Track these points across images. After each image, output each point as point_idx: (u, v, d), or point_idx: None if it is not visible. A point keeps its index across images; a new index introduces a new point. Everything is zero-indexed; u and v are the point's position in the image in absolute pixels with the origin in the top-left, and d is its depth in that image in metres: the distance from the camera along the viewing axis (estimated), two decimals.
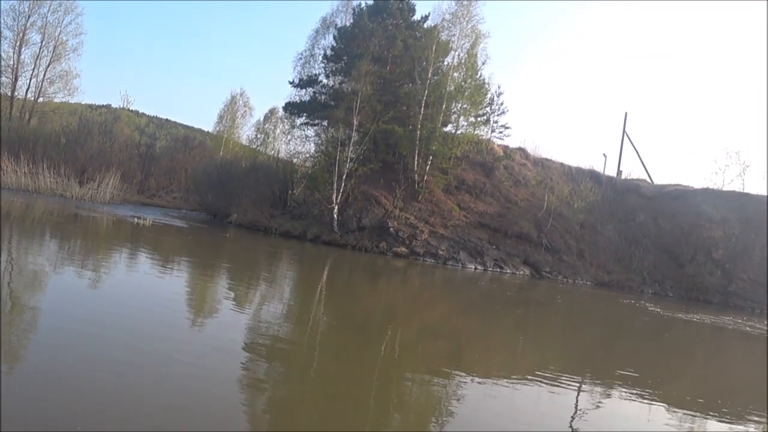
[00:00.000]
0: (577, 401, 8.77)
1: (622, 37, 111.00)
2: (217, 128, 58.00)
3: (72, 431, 4.99)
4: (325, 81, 38.62)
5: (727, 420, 8.81)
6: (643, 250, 34.06)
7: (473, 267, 29.16)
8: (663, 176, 44.57)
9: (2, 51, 44.42)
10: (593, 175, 38.82)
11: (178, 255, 20.11)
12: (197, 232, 29.42)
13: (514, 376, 9.50)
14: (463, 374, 9.28)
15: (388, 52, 34.99)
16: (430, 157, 32.69)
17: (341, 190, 30.86)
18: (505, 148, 38.18)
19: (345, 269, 24.17)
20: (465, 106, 34.14)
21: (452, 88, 32.87)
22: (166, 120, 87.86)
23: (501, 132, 37.37)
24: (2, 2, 44.22)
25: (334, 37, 37.70)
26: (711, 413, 9.05)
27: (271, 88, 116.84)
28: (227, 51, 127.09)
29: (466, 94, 33.57)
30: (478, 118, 35.92)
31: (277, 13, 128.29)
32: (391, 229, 29.79)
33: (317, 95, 37.94)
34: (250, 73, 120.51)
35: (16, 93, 45.76)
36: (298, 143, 42.22)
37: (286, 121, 44.54)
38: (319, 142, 38.06)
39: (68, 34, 46.85)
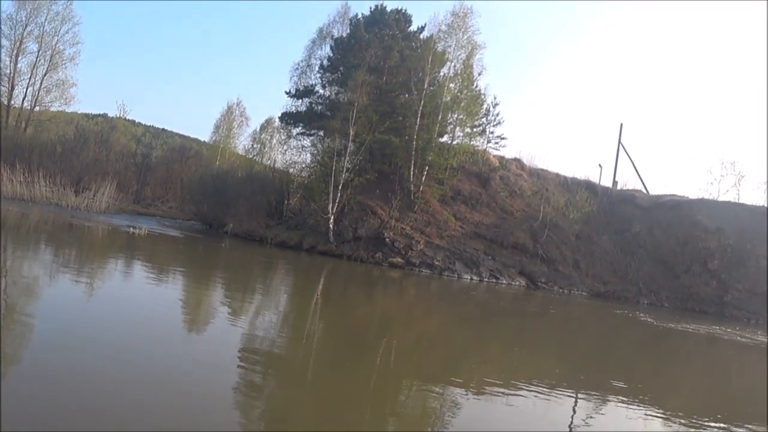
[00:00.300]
0: (573, 412, 8.76)
1: (619, 48, 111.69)
2: (214, 138, 58.00)
3: (71, 431, 4.98)
4: (321, 91, 38.70)
5: None
6: (639, 260, 34.11)
7: (469, 277, 29.14)
8: (659, 187, 44.80)
9: None
10: (589, 186, 38.89)
11: (174, 265, 20.07)
12: (193, 242, 29.37)
13: (509, 387, 9.48)
14: (459, 384, 9.26)
15: (385, 63, 35.10)
16: (426, 168, 32.72)
17: (337, 201, 30.85)
18: (501, 158, 38.25)
19: (340, 279, 24.14)
20: (461, 116, 34.21)
21: (448, 98, 32.97)
22: (163, 129, 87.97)
23: (497, 143, 37.51)
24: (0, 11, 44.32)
25: (331, 48, 37.82)
26: (707, 425, 9.04)
27: (267, 98, 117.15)
28: (224, 61, 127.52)
29: (462, 104, 33.67)
30: (474, 129, 35.99)
31: (274, 24, 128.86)
32: (387, 239, 29.78)
33: (314, 105, 37.99)
34: (247, 82, 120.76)
35: (12, 102, 45.73)
36: (295, 153, 42.24)
37: (282, 131, 44.56)
38: (316, 152, 38.12)
39: (65, 43, 46.92)
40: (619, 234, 36.08)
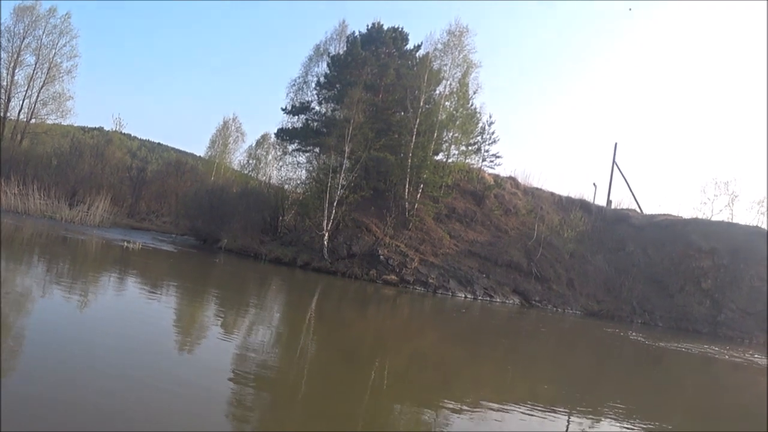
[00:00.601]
0: None
1: (615, 68, 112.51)
2: (209, 153, 58.08)
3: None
4: (317, 108, 38.84)
5: None
6: (633, 279, 34.13)
7: (463, 296, 29.10)
8: (653, 206, 44.92)
9: None
10: (583, 205, 39.02)
11: (167, 280, 20.00)
12: (186, 257, 29.30)
13: (503, 406, 9.46)
14: (453, 403, 9.23)
15: (381, 81, 35.26)
16: (421, 185, 32.78)
17: (332, 217, 30.83)
18: (496, 176, 38.36)
19: (334, 297, 24.08)
20: (456, 134, 34.36)
21: (444, 116, 33.10)
22: (158, 144, 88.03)
23: (492, 161, 37.59)
24: None
25: (328, 65, 37.98)
26: None
27: (263, 114, 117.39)
28: (221, 76, 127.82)
29: (458, 123, 33.82)
30: (469, 147, 36.11)
31: (271, 40, 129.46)
32: (382, 256, 29.75)
33: (310, 122, 38.09)
34: (243, 98, 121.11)
35: (8, 114, 45.76)
36: (290, 169, 42.30)
37: (278, 147, 44.68)
38: (311, 168, 38.14)
39: (63, 56, 47.11)
40: (613, 253, 36.13)
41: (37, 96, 46.45)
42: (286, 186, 40.88)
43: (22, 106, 46.39)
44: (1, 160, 37.74)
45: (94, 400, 6.46)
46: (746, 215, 41.03)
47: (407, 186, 32.40)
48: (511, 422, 8.64)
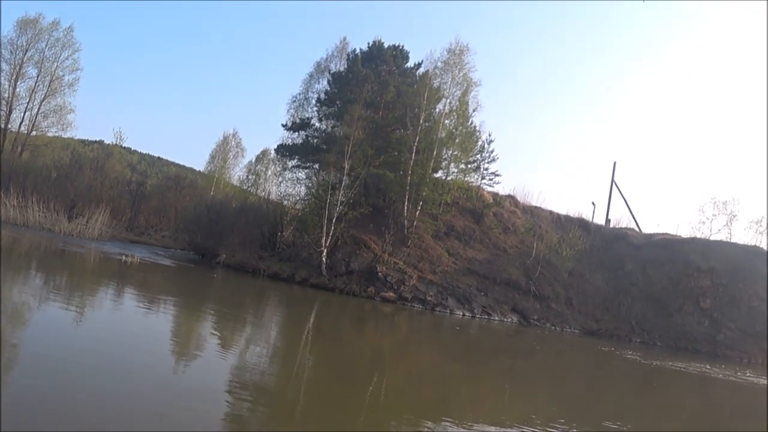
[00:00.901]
0: None
1: (612, 86, 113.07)
2: (209, 168, 58.14)
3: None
4: (317, 125, 38.97)
5: None
6: (632, 298, 34.08)
7: (461, 314, 29.02)
8: (651, 225, 45.03)
9: None
10: (582, 224, 39.05)
11: (165, 294, 19.96)
12: (184, 271, 29.25)
13: (501, 425, 9.41)
14: (450, 422, 9.18)
15: (381, 98, 35.39)
16: (420, 203, 32.80)
17: (331, 234, 30.81)
18: (495, 195, 38.42)
19: (332, 313, 24.03)
20: (456, 152, 34.45)
21: (443, 134, 33.21)
22: (158, 158, 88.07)
23: (491, 179, 37.68)
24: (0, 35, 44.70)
25: (328, 82, 38.17)
26: None
27: (263, 130, 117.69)
28: (222, 91, 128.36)
29: (457, 141, 33.93)
30: (469, 165, 36.22)
31: (271, 57, 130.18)
32: (380, 273, 29.69)
33: (309, 138, 38.21)
34: (244, 113, 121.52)
35: (9, 126, 45.83)
36: (289, 185, 42.38)
37: (277, 163, 44.77)
38: (310, 185, 38.19)
39: (65, 69, 47.23)
40: (612, 272, 36.11)
41: (39, 108, 46.57)
42: (285, 202, 40.94)
43: (23, 118, 46.51)
44: (1, 172, 37.74)
45: (89, 414, 6.43)
46: (744, 235, 41.06)
47: (406, 203, 32.42)
48: None
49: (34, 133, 47.42)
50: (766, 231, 40.41)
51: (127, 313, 14.32)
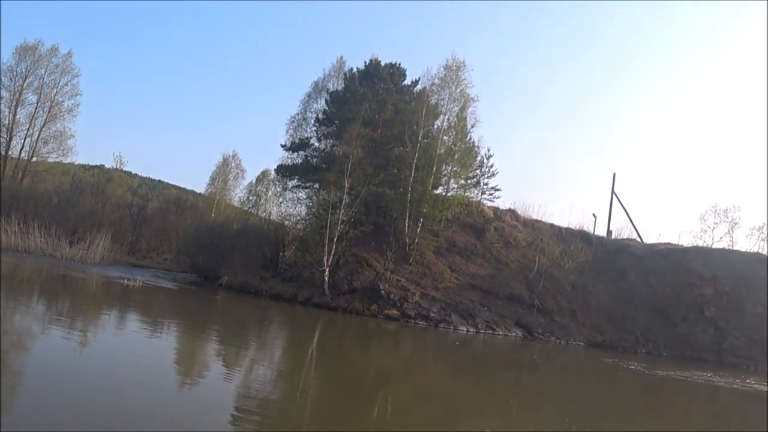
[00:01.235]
0: None
1: (610, 97, 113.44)
2: (209, 190, 58.25)
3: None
4: (316, 144, 39.07)
5: None
6: (636, 309, 33.99)
7: (465, 329, 28.93)
8: (653, 235, 45.00)
9: None
10: (583, 236, 39.05)
11: (168, 317, 19.93)
12: (187, 294, 29.22)
13: None
14: None
15: (379, 116, 35.54)
16: (421, 220, 32.82)
17: (332, 253, 30.79)
18: (496, 209, 38.46)
19: (336, 332, 23.97)
20: (455, 168, 34.50)
21: (442, 150, 33.30)
22: (159, 181, 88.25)
23: (491, 194, 37.72)
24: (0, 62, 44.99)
25: (326, 101, 38.33)
26: None
27: (263, 151, 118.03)
28: (221, 113, 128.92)
29: (456, 156, 34.00)
30: (468, 181, 36.26)
31: (269, 77, 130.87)
32: (383, 291, 29.64)
33: (309, 158, 38.31)
34: (243, 135, 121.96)
35: (9, 152, 46.00)
36: (290, 205, 42.39)
37: (278, 183, 44.85)
38: (311, 204, 38.23)
39: (64, 95, 47.50)
40: (615, 283, 36.05)
41: (39, 134, 46.78)
42: (287, 222, 40.95)
43: (23, 144, 46.73)
44: (2, 198, 37.83)
45: None
46: (746, 242, 41.03)
47: (407, 220, 32.44)
48: None
49: (34, 159, 47.62)
50: (767, 238, 40.45)
51: (130, 337, 14.30)
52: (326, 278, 30.47)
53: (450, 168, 34.49)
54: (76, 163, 56.34)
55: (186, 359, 12.84)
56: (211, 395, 9.75)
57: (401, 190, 32.82)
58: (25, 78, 45.81)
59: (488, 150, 37.09)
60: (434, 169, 32.86)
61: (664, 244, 39.70)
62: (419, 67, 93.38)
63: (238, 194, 58.17)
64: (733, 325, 32.59)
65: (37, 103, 46.55)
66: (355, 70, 38.28)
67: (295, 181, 39.70)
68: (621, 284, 35.96)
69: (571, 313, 32.88)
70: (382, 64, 37.74)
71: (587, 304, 33.91)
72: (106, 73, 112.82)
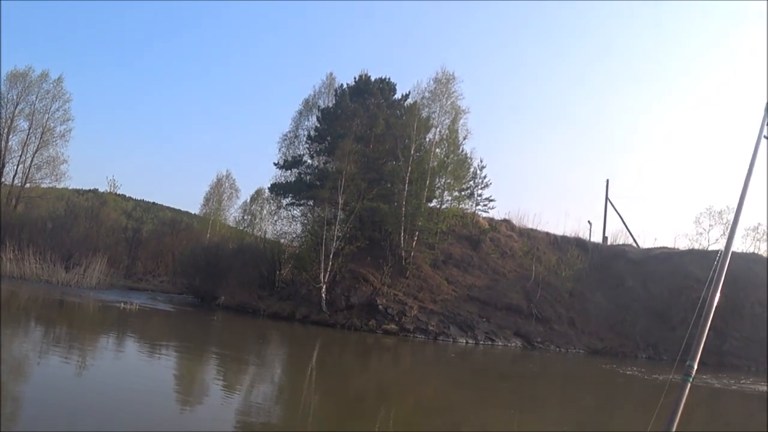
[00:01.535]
0: None
1: (601, 102, 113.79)
2: (204, 210, 58.13)
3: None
4: (309, 161, 39.12)
5: None
6: (634, 314, 34.00)
7: (464, 341, 28.88)
8: (648, 240, 45.16)
9: None
10: (579, 243, 39.16)
11: (165, 340, 19.87)
12: (184, 316, 29.13)
13: None
14: None
15: (371, 131, 35.64)
16: (416, 233, 32.84)
17: (329, 269, 30.78)
18: (491, 220, 38.55)
19: (335, 349, 23.91)
20: (448, 181, 34.58)
21: (435, 163, 33.37)
22: (153, 203, 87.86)
23: (485, 205, 37.90)
24: None
25: (317, 118, 38.44)
26: None
27: (256, 170, 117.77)
28: (212, 134, 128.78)
29: (449, 169, 34.09)
30: (462, 192, 36.36)
31: (259, 97, 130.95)
32: (380, 306, 29.61)
33: (302, 175, 38.34)
34: (236, 154, 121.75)
35: (3, 179, 45.88)
36: (285, 223, 42.32)
37: (272, 201, 44.82)
38: (306, 221, 38.22)
39: (56, 120, 47.36)
40: (613, 289, 36.10)
41: (32, 161, 46.63)
42: (282, 240, 40.89)
43: (16, 171, 46.59)
44: None
45: None
46: (742, 243, 41.10)
47: (402, 234, 32.46)
48: None
49: (27, 185, 47.46)
50: (765, 237, 40.58)
51: (128, 361, 14.25)
52: (323, 295, 30.43)
53: (443, 180, 34.56)
54: (70, 188, 56.25)
55: (186, 381, 12.80)
56: (212, 417, 9.71)
57: (395, 204, 32.86)
58: (17, 105, 45.75)
59: (481, 161, 37.33)
60: (428, 182, 32.93)
61: (660, 248, 39.82)
62: (409, 80, 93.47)
63: (232, 214, 58.06)
64: (732, 326, 32.61)
65: (29, 129, 46.46)
66: (345, 86, 38.46)
67: (290, 198, 39.71)
68: (619, 290, 36.01)
69: (570, 321, 32.88)
70: (372, 79, 37.93)
71: (586, 312, 33.92)
72: (97, 96, 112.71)
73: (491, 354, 26.68)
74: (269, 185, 40.20)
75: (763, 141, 3.70)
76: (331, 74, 42.39)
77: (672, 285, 34.90)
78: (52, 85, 47.16)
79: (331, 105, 38.86)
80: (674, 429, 3.16)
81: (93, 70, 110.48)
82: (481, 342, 29.15)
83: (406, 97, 37.70)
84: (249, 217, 52.22)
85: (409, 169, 32.53)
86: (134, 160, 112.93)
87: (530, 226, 40.59)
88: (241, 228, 52.58)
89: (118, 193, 62.65)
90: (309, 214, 38.08)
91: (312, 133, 38.52)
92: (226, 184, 57.52)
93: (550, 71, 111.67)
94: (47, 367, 11.88)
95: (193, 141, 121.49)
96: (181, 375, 13.52)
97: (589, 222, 42.71)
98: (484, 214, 38.45)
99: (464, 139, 35.75)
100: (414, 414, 12.47)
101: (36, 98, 46.53)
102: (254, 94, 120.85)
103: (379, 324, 28.82)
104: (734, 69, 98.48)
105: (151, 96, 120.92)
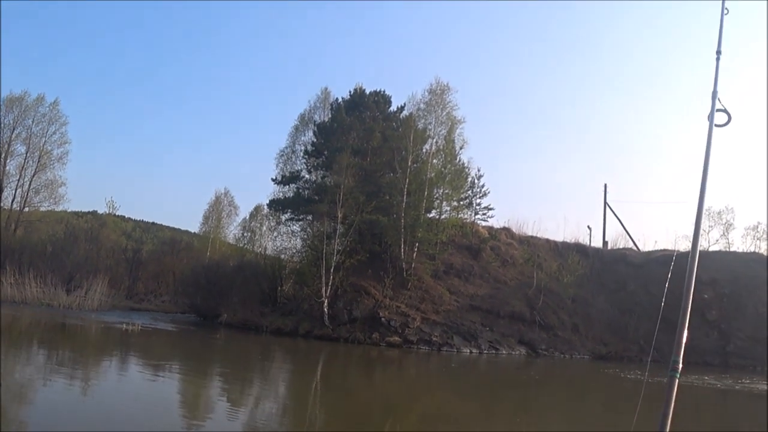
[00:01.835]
0: None
1: (597, 104, 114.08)
2: (203, 229, 58.11)
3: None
4: (307, 176, 39.15)
5: None
6: (637, 318, 33.92)
7: (468, 351, 28.83)
8: (649, 243, 45.17)
9: None
10: (580, 249, 39.16)
11: (169, 360, 19.82)
12: (187, 335, 29.08)
13: None
14: None
15: (368, 144, 35.70)
16: (416, 244, 32.86)
17: (330, 284, 30.77)
18: (490, 228, 38.57)
19: (339, 363, 23.87)
20: (447, 191, 34.64)
21: (433, 174, 33.44)
22: (153, 223, 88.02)
23: (484, 214, 37.94)
24: None
25: (314, 133, 38.52)
26: None
27: (255, 186, 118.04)
28: (210, 152, 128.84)
29: (447, 179, 34.16)
30: (461, 202, 36.43)
31: (256, 114, 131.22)
32: (383, 318, 29.57)
33: (300, 190, 38.36)
34: (234, 171, 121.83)
35: (1, 204, 45.94)
36: (285, 239, 42.32)
37: (271, 217, 44.84)
38: (305, 236, 38.21)
39: (53, 143, 47.57)
40: (615, 293, 36.08)
41: (30, 184, 46.75)
42: (283, 256, 40.89)
43: (14, 195, 46.68)
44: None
45: None
46: (742, 243, 41.19)
47: (402, 246, 32.47)
48: None
49: (26, 209, 47.54)
50: (765, 236, 40.61)
51: (132, 382, 14.22)
52: (326, 309, 30.41)
53: (441, 191, 34.64)
54: (69, 210, 56.40)
55: (190, 400, 12.77)
56: None
57: (394, 216, 32.89)
58: (13, 129, 45.95)
59: (478, 170, 37.38)
60: (426, 193, 33.00)
61: (661, 250, 39.81)
62: (404, 92, 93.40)
63: (232, 231, 58.01)
64: (735, 326, 32.61)
65: (27, 153, 46.64)
66: (340, 100, 38.60)
67: (289, 214, 39.71)
68: (621, 294, 35.99)
69: (573, 326, 32.85)
70: (367, 92, 38.06)
71: (589, 317, 33.89)
72: (93, 118, 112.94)
73: (495, 363, 26.62)
74: (268, 201, 40.21)
75: (716, 129, 3.74)
76: (326, 89, 42.60)
77: (674, 287, 34.79)
78: (48, 109, 47.44)
79: (326, 119, 38.98)
80: (668, 429, 3.12)
81: (89, 92, 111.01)
82: (485, 351, 29.10)
83: (401, 109, 37.84)
84: (249, 233, 52.21)
85: (407, 180, 32.60)
86: (133, 181, 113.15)
87: (530, 233, 40.66)
88: (241, 245, 52.54)
89: (117, 214, 62.56)
90: (308, 229, 38.09)
91: (309, 148, 38.59)
92: (225, 202, 57.53)
93: (545, 76, 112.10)
94: (52, 390, 11.86)
95: (191, 160, 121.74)
96: (186, 394, 13.49)
97: (588, 227, 42.85)
98: (484, 223, 38.54)
99: (461, 148, 35.96)
100: (420, 425, 12.44)
101: (32, 122, 46.77)
102: (250, 111, 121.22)
103: (382, 337, 28.78)
104: (734, 69, 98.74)
105: (147, 116, 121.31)
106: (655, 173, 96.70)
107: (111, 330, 26.38)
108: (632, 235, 43.02)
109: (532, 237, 40.04)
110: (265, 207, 44.70)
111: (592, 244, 41.27)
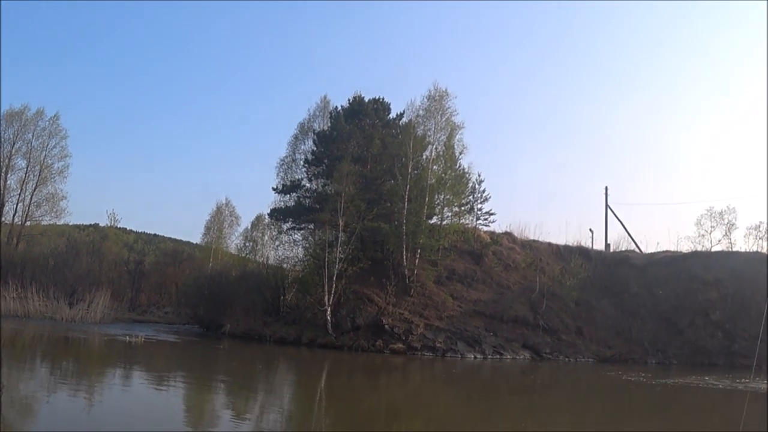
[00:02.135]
0: None
1: (598, 106, 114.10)
2: (205, 239, 58.10)
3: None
4: (308, 185, 39.12)
5: None
6: (641, 320, 33.90)
7: (472, 356, 28.76)
8: (651, 244, 45.06)
9: None
10: (582, 252, 39.12)
11: (172, 371, 19.80)
12: (190, 346, 29.04)
13: None
14: None
15: (368, 152, 35.71)
16: (418, 251, 32.82)
17: (333, 292, 30.70)
18: (492, 233, 38.55)
19: (343, 371, 23.80)
20: (448, 197, 34.64)
21: (433, 180, 33.44)
22: (154, 235, 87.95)
23: (486, 219, 37.89)
24: None
25: (314, 142, 38.52)
26: None
27: (256, 195, 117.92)
28: (209, 161, 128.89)
29: (448, 185, 34.16)
30: (462, 208, 36.41)
31: (254, 122, 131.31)
32: (386, 326, 29.49)
33: (301, 199, 38.33)
34: (235, 181, 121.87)
35: (3, 218, 45.99)
36: (287, 248, 42.28)
37: (273, 227, 44.83)
38: (307, 245, 38.20)
39: (53, 157, 47.76)
40: (618, 296, 36.02)
41: (31, 198, 46.91)
42: (285, 265, 40.84)
43: (16, 209, 46.80)
44: (0, 264, 37.77)
45: None
46: (745, 242, 41.11)
47: (404, 253, 32.42)
48: None
49: (28, 223, 47.65)
50: (767, 235, 40.53)
51: (136, 393, 14.20)
52: (329, 317, 30.35)
53: (442, 197, 34.63)
54: (70, 223, 56.51)
55: (195, 411, 12.74)
56: None
57: (396, 223, 32.87)
58: (14, 143, 46.09)
59: (479, 175, 37.34)
60: (427, 199, 32.96)
61: (663, 252, 39.81)
62: (403, 99, 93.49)
63: (234, 241, 57.95)
64: (740, 326, 32.49)
65: (27, 167, 46.82)
66: (339, 108, 38.61)
67: (290, 223, 39.68)
68: (624, 296, 35.93)
69: (577, 330, 32.78)
70: (366, 100, 38.06)
71: (592, 320, 33.82)
72: (93, 131, 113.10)
73: (500, 368, 26.55)
74: (269, 211, 40.20)
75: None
76: (325, 97, 42.66)
77: (677, 288, 34.85)
78: (48, 123, 47.65)
79: (326, 128, 38.98)
80: None
81: (88, 106, 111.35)
82: (489, 356, 29.03)
83: (400, 116, 37.83)
84: (250, 243, 52.17)
85: (408, 187, 32.59)
86: (134, 193, 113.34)
87: (532, 237, 40.70)
88: (243, 255, 52.50)
89: (118, 226, 62.50)
90: (310, 238, 38.09)
91: (309, 156, 38.59)
92: (226, 212, 57.52)
93: (544, 79, 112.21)
94: (56, 403, 11.85)
95: (192, 171, 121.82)
96: (190, 405, 13.45)
97: (590, 230, 42.81)
98: (485, 228, 38.50)
99: (461, 154, 35.92)
100: (426, 430, 12.40)
101: (33, 136, 46.96)
102: (250, 120, 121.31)
103: (386, 344, 28.72)
104: (733, 69, 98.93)
105: (148, 128, 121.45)
106: (655, 175, 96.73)
107: (114, 342, 26.36)
108: (634, 237, 43.03)
109: (534, 241, 40.03)
110: (267, 216, 44.69)
111: (595, 247, 41.28)
